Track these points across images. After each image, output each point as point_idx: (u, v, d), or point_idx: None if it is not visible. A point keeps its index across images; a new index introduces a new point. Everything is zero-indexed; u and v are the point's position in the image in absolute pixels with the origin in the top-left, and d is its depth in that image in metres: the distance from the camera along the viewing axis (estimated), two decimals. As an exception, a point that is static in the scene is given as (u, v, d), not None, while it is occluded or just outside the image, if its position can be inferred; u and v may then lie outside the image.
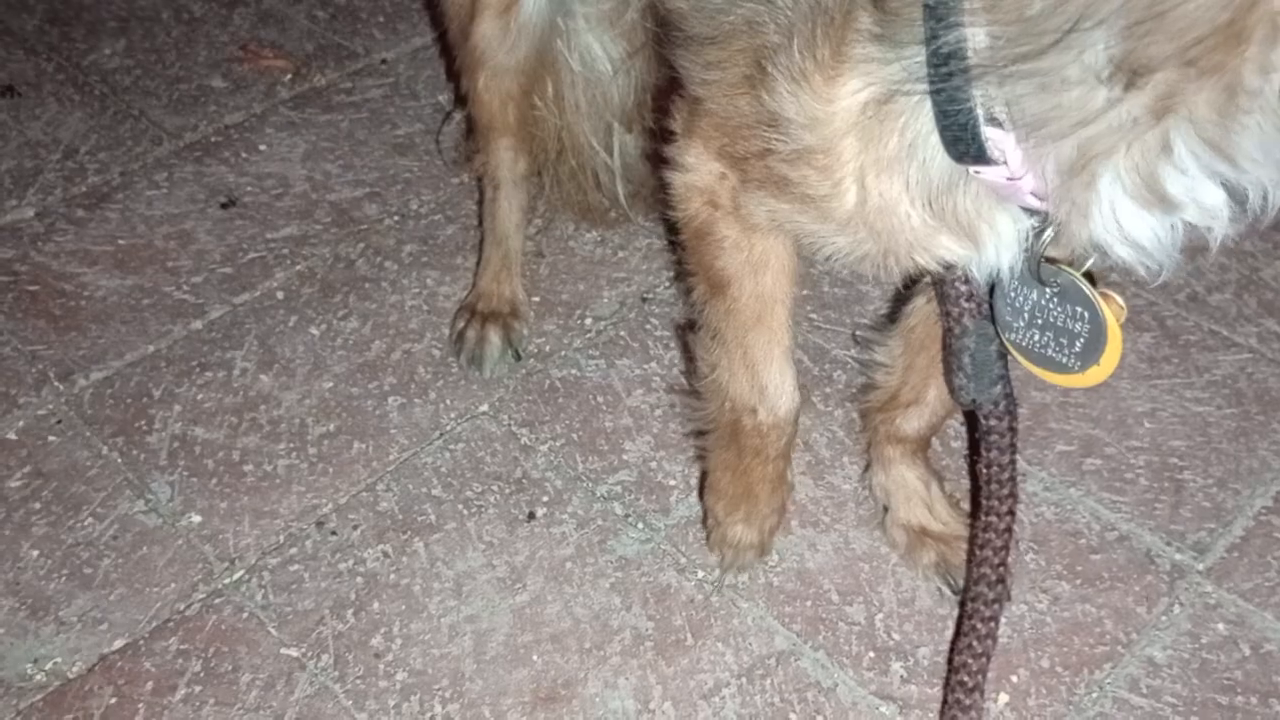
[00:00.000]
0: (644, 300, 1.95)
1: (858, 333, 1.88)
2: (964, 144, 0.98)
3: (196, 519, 1.63)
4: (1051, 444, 1.73)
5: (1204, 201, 0.94)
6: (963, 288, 1.27)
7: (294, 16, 2.55)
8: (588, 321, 1.92)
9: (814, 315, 1.92)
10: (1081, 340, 1.17)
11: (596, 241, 2.04)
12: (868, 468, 1.65)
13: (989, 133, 0.95)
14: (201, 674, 1.46)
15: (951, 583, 1.54)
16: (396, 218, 2.08)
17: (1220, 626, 1.52)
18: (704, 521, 1.61)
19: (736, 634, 1.52)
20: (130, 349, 1.85)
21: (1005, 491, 1.37)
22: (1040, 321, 1.20)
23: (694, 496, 1.66)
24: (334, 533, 1.62)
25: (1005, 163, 0.97)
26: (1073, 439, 1.74)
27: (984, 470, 1.38)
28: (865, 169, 1.06)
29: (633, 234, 2.04)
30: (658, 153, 1.37)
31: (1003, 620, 1.51)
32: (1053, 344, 1.20)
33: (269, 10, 2.56)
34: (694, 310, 1.43)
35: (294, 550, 1.60)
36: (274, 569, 1.58)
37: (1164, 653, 1.49)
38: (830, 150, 1.07)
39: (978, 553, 1.39)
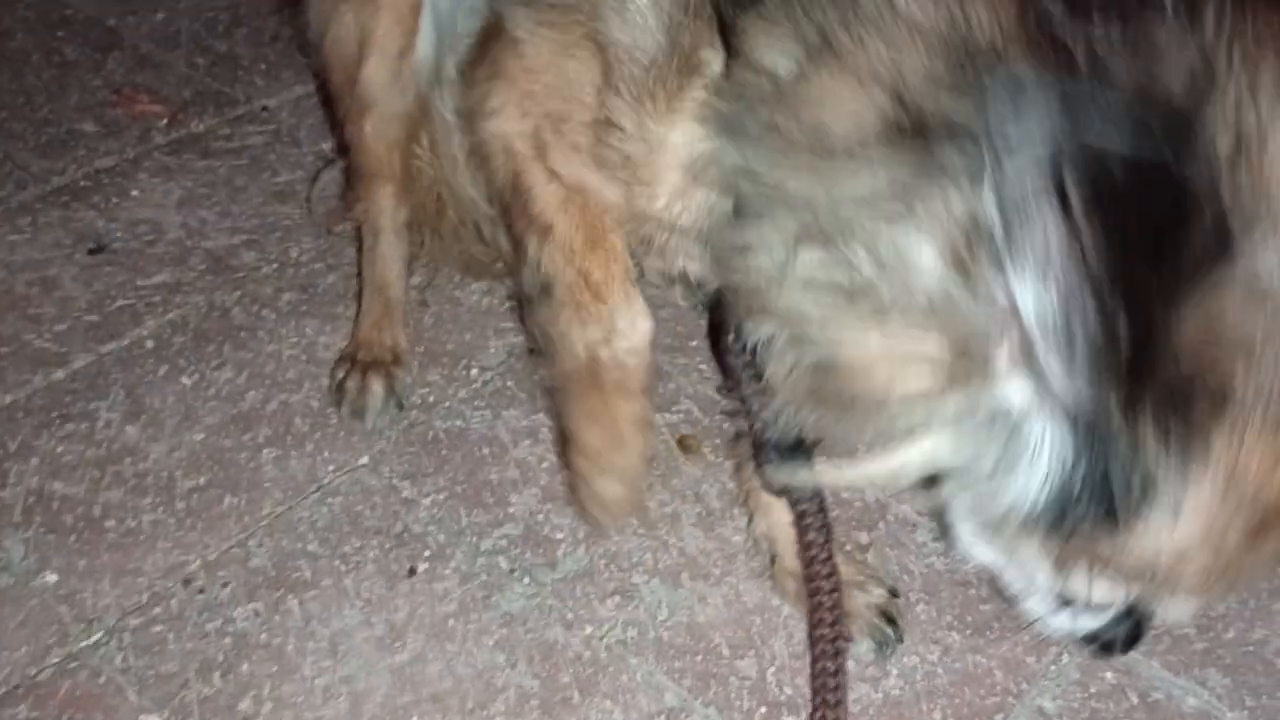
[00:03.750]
0: (531, 350, 1.90)
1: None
2: None
3: (52, 578, 1.53)
4: (940, 494, 1.73)
5: None
6: (756, 384, 1.30)
7: (172, 62, 2.48)
8: (473, 372, 1.87)
9: (703, 366, 1.90)
10: None
11: (483, 291, 2.00)
12: (751, 518, 1.62)
13: None
14: (52, 744, 1.37)
15: (844, 630, 1.52)
16: (275, 265, 2.02)
17: (1108, 675, 1.52)
18: (569, 488, 1.54)
19: (625, 691, 1.47)
20: (-15, 399, 1.75)
21: (827, 571, 1.40)
22: None
23: (582, 549, 1.62)
24: (201, 591, 1.54)
25: None
26: (961, 489, 1.74)
27: (804, 554, 1.41)
28: (679, 195, 1.14)
29: (520, 284, 2.01)
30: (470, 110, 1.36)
31: (894, 671, 1.50)
32: None
33: (146, 55, 2.49)
34: (528, 277, 1.38)
35: (158, 610, 1.51)
36: (135, 630, 1.49)
37: (1054, 703, 1.49)
38: (654, 172, 1.13)
39: (814, 631, 1.41)
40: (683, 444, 1.76)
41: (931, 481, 1.03)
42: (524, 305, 1.49)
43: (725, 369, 1.47)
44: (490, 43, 1.29)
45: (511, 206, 1.33)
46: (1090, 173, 0.78)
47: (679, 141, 1.09)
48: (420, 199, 1.86)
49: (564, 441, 1.54)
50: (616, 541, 1.61)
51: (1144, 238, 0.79)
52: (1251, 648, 1.54)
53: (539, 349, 1.45)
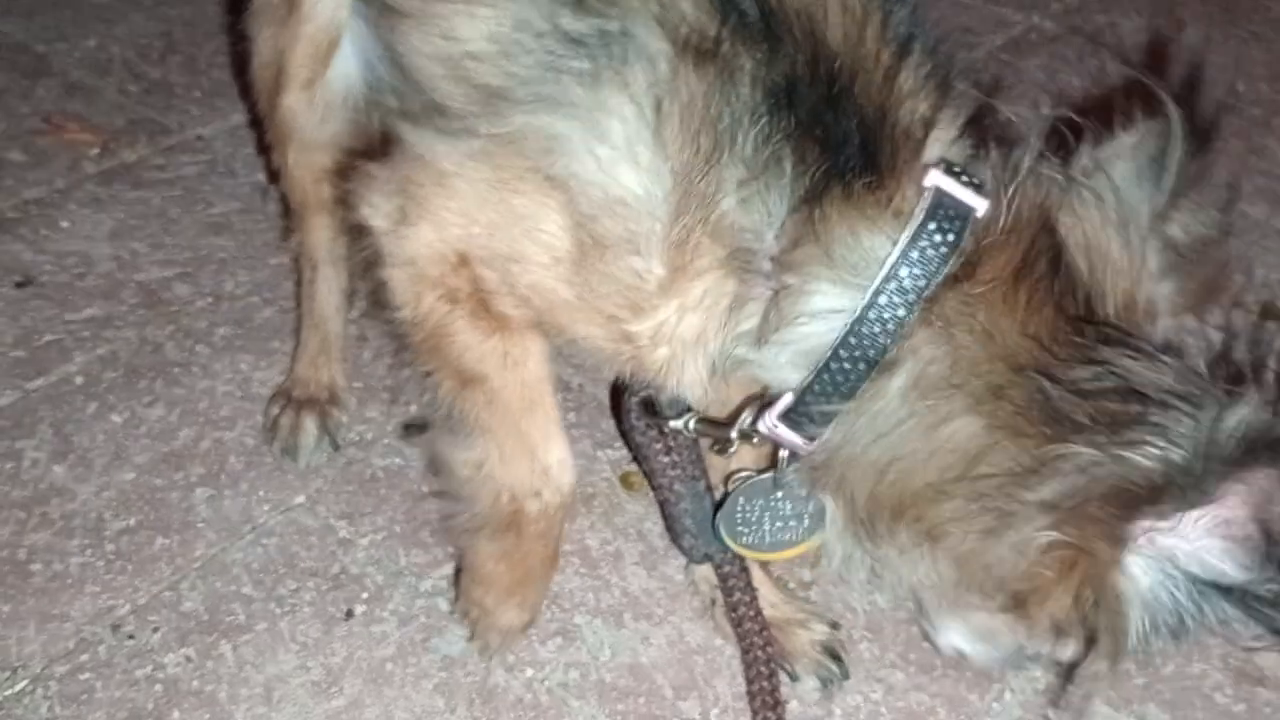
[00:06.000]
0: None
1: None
2: None
3: (-26, 625, 1.49)
4: (882, 530, 1.73)
5: None
6: (664, 459, 1.39)
7: (104, 89, 2.44)
8: (412, 408, 1.84)
9: (645, 401, 1.89)
10: (808, 515, 1.29)
11: (422, 325, 1.97)
12: (691, 559, 1.61)
13: None
14: (-27, 799, 1.32)
15: (788, 669, 1.51)
16: (210, 299, 1.98)
17: (1050, 713, 1.52)
18: (463, 610, 1.50)
19: (567, 735, 1.45)
20: (-95, 438, 1.70)
21: (758, 627, 1.45)
22: (769, 515, 1.31)
23: (523, 590, 1.59)
24: (131, 636, 1.50)
25: None
26: (903, 525, 1.74)
27: (732, 615, 1.46)
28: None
29: (460, 318, 1.98)
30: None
31: (838, 711, 1.49)
32: (784, 529, 1.32)
33: (77, 82, 2.44)
34: (434, 408, 1.32)
35: (85, 657, 1.47)
36: (62, 678, 1.44)
37: (997, 740, 1.49)
38: (664, 336, 1.14)
39: (750, 686, 1.44)
40: (625, 481, 1.75)
41: None
42: (416, 428, 1.46)
43: (630, 445, 1.48)
44: (393, 154, 1.22)
45: (431, 351, 1.27)
46: None
47: (697, 303, 1.11)
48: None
49: (462, 571, 1.50)
50: (558, 581, 1.59)
51: None
52: (1190, 682, 1.55)
53: (451, 480, 1.38)
